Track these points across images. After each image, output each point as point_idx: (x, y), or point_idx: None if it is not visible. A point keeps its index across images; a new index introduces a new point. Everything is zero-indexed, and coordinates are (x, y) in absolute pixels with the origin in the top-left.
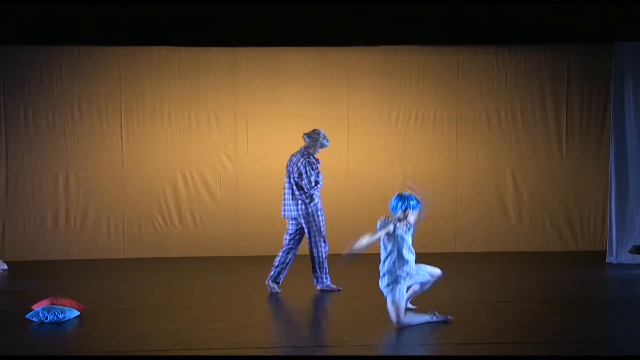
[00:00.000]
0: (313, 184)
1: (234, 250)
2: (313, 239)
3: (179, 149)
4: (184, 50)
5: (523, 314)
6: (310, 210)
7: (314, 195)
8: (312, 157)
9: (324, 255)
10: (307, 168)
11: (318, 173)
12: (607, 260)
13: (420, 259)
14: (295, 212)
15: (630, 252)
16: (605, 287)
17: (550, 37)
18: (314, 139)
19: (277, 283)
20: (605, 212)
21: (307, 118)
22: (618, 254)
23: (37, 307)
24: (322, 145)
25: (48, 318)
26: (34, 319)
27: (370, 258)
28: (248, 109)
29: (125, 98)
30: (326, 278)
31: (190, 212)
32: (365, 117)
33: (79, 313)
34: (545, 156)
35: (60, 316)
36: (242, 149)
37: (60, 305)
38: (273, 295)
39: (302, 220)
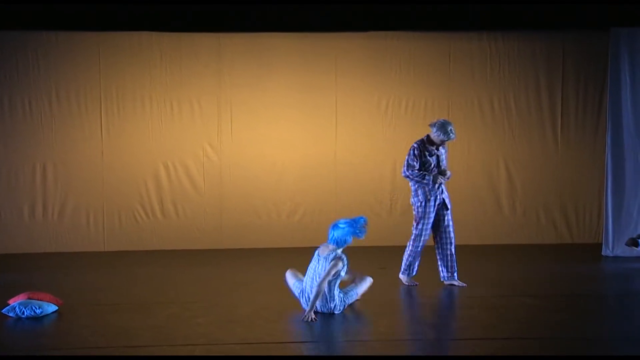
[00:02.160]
0: (406, 169)
1: (217, 243)
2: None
3: (161, 138)
4: (165, 36)
5: (516, 309)
6: (413, 199)
7: (421, 185)
8: (417, 144)
9: (409, 248)
10: (408, 154)
11: (433, 164)
12: (603, 253)
13: None
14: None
15: (626, 244)
16: (601, 281)
17: (545, 23)
18: (432, 128)
19: (452, 276)
20: (601, 203)
21: (293, 106)
22: (614, 247)
23: (13, 301)
24: (439, 137)
25: (25, 313)
26: (10, 314)
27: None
28: (233, 97)
29: (104, 85)
30: (404, 271)
31: (172, 204)
32: (354, 106)
33: (57, 308)
34: (540, 146)
35: (38, 311)
36: (227, 139)
37: (38, 300)
38: (259, 290)
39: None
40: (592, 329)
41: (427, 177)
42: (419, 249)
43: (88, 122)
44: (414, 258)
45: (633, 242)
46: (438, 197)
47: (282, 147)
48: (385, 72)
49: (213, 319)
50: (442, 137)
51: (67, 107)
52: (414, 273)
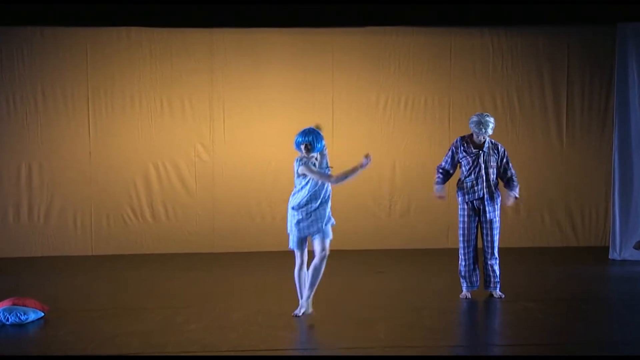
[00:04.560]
0: (441, 165)
1: (210, 246)
2: None
3: (151, 138)
4: (156, 32)
5: (520, 313)
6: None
7: (460, 187)
8: (458, 139)
9: (459, 261)
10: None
11: (469, 164)
12: (610, 257)
13: (411, 255)
14: None
15: (634, 247)
16: (608, 285)
17: (549, 17)
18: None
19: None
20: (608, 205)
21: (288, 104)
22: (622, 250)
23: None
24: (472, 130)
25: (9, 320)
26: None
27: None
28: (225, 94)
29: (92, 83)
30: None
31: (163, 206)
32: (351, 104)
33: (43, 314)
34: (544, 145)
35: (23, 318)
36: (219, 138)
37: (23, 306)
38: (253, 295)
39: None
40: (597, 334)
41: (436, 186)
42: (465, 254)
43: (75, 120)
44: (465, 265)
45: None
46: (475, 203)
47: (277, 146)
48: (383, 69)
49: (206, 325)
50: (474, 129)
51: (53, 105)
52: (474, 286)
